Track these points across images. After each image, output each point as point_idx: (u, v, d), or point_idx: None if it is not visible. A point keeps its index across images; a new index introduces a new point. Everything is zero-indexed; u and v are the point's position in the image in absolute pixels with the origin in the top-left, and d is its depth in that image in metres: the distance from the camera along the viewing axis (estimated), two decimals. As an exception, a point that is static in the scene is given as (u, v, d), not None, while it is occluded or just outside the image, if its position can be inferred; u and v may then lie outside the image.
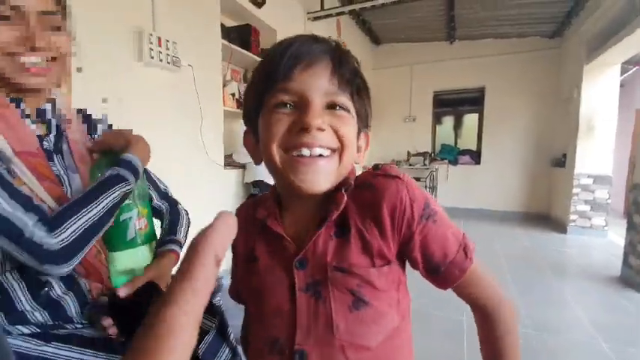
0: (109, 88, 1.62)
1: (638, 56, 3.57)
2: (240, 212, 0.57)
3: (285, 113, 0.44)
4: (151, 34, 1.78)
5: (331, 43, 0.46)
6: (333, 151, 0.45)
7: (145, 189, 0.80)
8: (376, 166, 0.49)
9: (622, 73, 4.27)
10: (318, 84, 0.43)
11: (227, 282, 0.87)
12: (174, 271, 0.79)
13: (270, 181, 2.48)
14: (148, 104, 1.84)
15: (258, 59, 2.77)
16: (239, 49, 2.53)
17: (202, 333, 0.72)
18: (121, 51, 1.70)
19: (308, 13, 3.52)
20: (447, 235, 0.47)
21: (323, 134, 0.43)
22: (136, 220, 0.76)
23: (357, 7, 3.46)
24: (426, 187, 5.05)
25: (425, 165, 5.24)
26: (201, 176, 2.26)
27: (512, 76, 4.98)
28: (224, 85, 2.51)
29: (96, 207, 0.59)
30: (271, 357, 0.47)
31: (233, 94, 2.75)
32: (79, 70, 1.41)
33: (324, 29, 3.90)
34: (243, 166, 2.68)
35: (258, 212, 0.50)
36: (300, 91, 0.43)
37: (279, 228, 0.48)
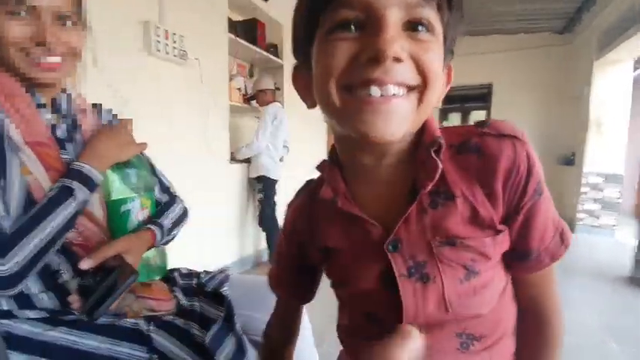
0: (115, 80, 1.62)
1: None
2: (297, 205, 0.51)
3: (348, 38, 0.33)
4: (158, 27, 1.78)
5: None
6: (411, 89, 0.34)
7: (149, 180, 0.80)
8: (482, 123, 0.40)
9: (635, 69, 4.20)
10: None
11: (233, 272, 0.87)
12: None
13: (274, 174, 2.47)
14: (154, 97, 1.84)
15: (265, 54, 2.77)
16: (245, 43, 2.52)
17: (210, 322, 0.72)
18: (128, 43, 1.70)
19: (315, 7, 3.49)
20: (549, 216, 0.40)
21: (400, 66, 0.32)
22: (139, 211, 0.76)
23: None
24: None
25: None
26: (207, 171, 2.26)
27: (521, 72, 4.92)
28: (230, 80, 2.50)
29: (43, 230, 0.57)
30: (371, 326, 0.43)
31: (239, 89, 2.75)
32: (94, 63, 1.42)
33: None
34: (248, 161, 2.68)
35: (324, 191, 0.42)
36: (368, 4, 0.31)
37: (355, 209, 0.40)
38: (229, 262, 2.53)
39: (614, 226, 3.92)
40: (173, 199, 0.87)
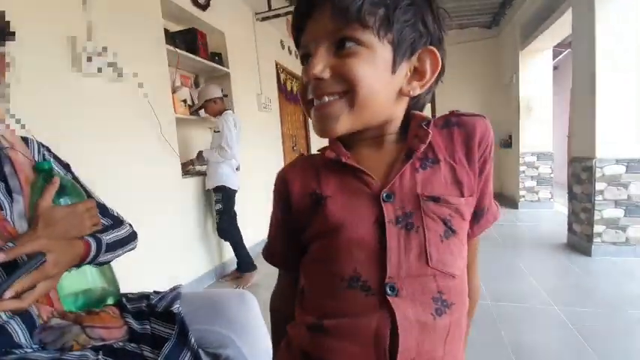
0: (45, 104, 1.51)
1: (569, 39, 3.88)
2: (288, 170, 0.54)
3: (305, 68, 0.46)
4: (87, 44, 1.69)
5: None
6: (341, 94, 0.44)
7: (81, 191, 0.78)
8: (457, 111, 0.50)
9: (556, 56, 4.66)
10: (320, 28, 0.43)
11: (185, 290, 0.86)
12: None
13: (234, 184, 2.44)
14: (90, 117, 1.74)
15: (208, 63, 2.72)
16: (186, 53, 2.46)
17: (163, 341, 0.71)
18: (54, 63, 1.59)
19: (256, 13, 3.49)
20: (491, 179, 0.50)
21: (323, 82, 0.43)
22: None
23: (304, 5, 3.48)
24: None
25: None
26: (158, 188, 2.18)
27: (458, 65, 5.25)
28: (174, 92, 2.43)
29: None
30: (352, 292, 0.44)
31: (184, 101, 2.67)
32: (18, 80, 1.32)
33: (274, 29, 3.89)
34: (203, 174, 2.62)
35: (328, 153, 0.48)
36: (306, 43, 0.45)
37: (358, 165, 0.47)
38: (191, 278, 2.45)
39: (550, 199, 4.33)
40: (119, 222, 0.84)
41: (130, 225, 0.86)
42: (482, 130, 0.47)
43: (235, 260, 2.70)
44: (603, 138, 2.52)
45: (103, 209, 0.84)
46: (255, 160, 3.28)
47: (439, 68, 0.46)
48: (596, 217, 2.58)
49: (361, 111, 0.44)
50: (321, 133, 0.46)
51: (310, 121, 0.49)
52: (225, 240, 2.63)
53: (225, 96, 2.65)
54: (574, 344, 1.55)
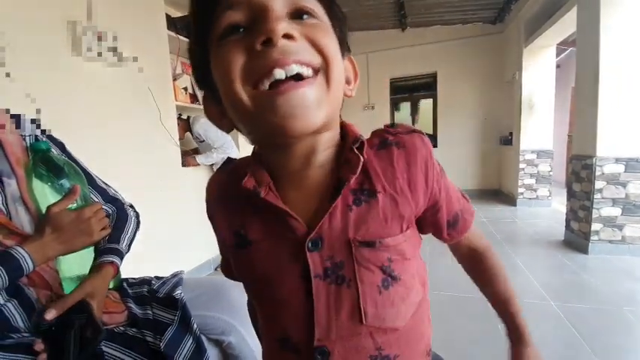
0: (44, 88, 1.49)
1: (572, 37, 3.87)
2: (212, 187, 0.46)
3: (238, 38, 0.32)
4: (87, 27, 1.65)
5: None
6: (316, 71, 0.33)
7: (86, 192, 0.76)
8: (392, 125, 0.43)
9: (558, 54, 4.64)
10: None
11: (186, 277, 0.85)
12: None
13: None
14: (89, 103, 1.71)
15: (210, 51, 2.68)
16: (187, 40, 2.42)
17: (165, 327, 0.70)
18: (54, 46, 1.56)
19: (259, 2, 3.44)
20: (451, 184, 0.47)
21: (295, 45, 0.32)
22: None
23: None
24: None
25: (386, 151, 5.38)
26: (157, 176, 2.16)
27: (461, 61, 5.23)
28: (174, 79, 2.40)
29: None
30: (285, 355, 0.40)
31: (185, 88, 2.64)
32: (7, 75, 1.29)
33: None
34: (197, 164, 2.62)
35: (246, 181, 0.39)
36: (249, 1, 0.32)
37: (279, 202, 0.38)
38: (190, 267, 2.45)
39: (548, 196, 4.35)
40: (123, 210, 0.83)
41: (131, 206, 0.85)
42: (421, 149, 0.41)
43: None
44: (604, 137, 2.52)
45: (104, 193, 0.83)
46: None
47: (358, 78, 0.42)
48: (594, 215, 2.59)
49: (333, 97, 0.35)
50: (300, 123, 0.32)
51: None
52: None
53: (187, 118, 2.60)
54: (570, 340, 1.57)
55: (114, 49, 1.79)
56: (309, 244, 0.37)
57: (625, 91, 2.45)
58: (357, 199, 0.39)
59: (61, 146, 0.82)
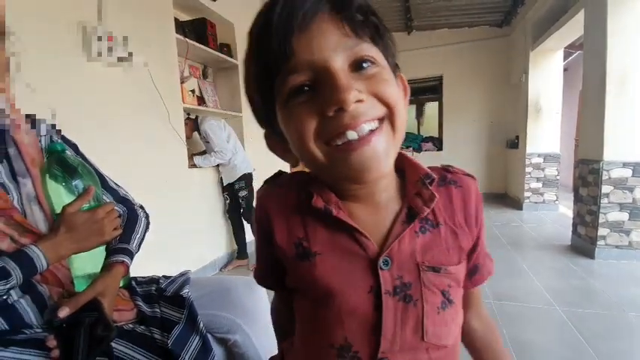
0: (54, 89, 1.52)
1: (580, 41, 3.84)
2: (268, 200, 0.46)
3: (306, 100, 0.35)
4: (97, 29, 1.69)
5: None
6: (381, 119, 0.36)
7: (99, 193, 0.78)
8: (448, 166, 0.48)
9: (566, 57, 4.61)
10: (330, 42, 0.33)
11: (194, 276, 0.87)
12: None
13: (251, 167, 2.48)
14: (98, 105, 1.75)
15: (216, 53, 2.72)
16: (195, 43, 2.46)
17: (172, 325, 0.72)
18: (65, 48, 1.60)
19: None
20: (484, 236, 0.48)
21: (363, 105, 0.34)
22: None
23: (314, -1, 3.45)
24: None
25: (390, 154, 5.39)
26: (164, 177, 2.19)
27: (467, 64, 5.22)
28: (182, 82, 2.44)
29: None
30: None
31: (193, 91, 2.68)
32: (28, 86, 1.33)
33: (283, 22, 3.87)
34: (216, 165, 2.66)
35: (315, 201, 0.41)
36: (312, 63, 0.33)
37: (352, 220, 0.40)
38: (195, 268, 2.47)
39: (555, 201, 4.32)
40: (133, 210, 0.85)
41: (141, 207, 0.87)
42: (475, 191, 0.45)
43: (236, 249, 2.78)
44: (611, 141, 2.50)
45: (115, 194, 0.85)
46: (261, 153, 3.28)
47: (409, 94, 0.43)
48: (601, 219, 2.57)
49: (399, 138, 0.38)
50: (374, 173, 0.35)
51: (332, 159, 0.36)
52: (250, 224, 2.73)
53: (195, 117, 2.62)
54: (575, 345, 1.56)
55: (124, 52, 1.83)
56: (381, 263, 0.40)
57: (632, 94, 2.43)
58: (422, 227, 0.42)
59: (75, 147, 0.84)
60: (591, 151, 2.68)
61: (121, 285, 0.80)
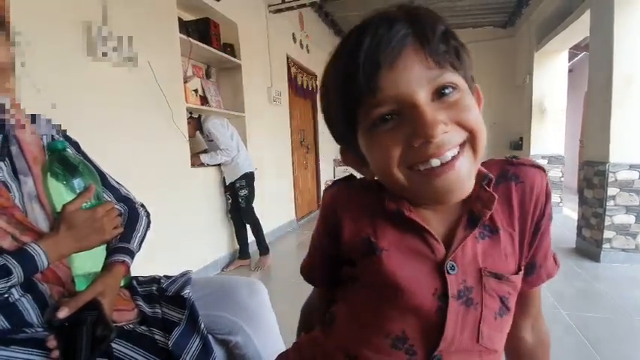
0: (58, 88, 1.52)
1: (585, 42, 3.81)
2: (339, 195, 0.48)
3: (391, 128, 0.36)
4: (102, 29, 1.69)
5: (407, 11, 0.36)
6: (463, 144, 0.37)
7: (99, 191, 0.77)
8: (513, 157, 0.45)
9: (571, 58, 4.58)
10: (414, 76, 0.35)
11: (195, 276, 0.86)
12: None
13: (252, 167, 2.49)
14: (102, 104, 1.75)
15: (220, 53, 2.72)
16: (199, 43, 2.46)
17: (173, 325, 0.71)
18: (69, 47, 1.60)
19: (269, 5, 3.47)
20: (551, 239, 0.46)
21: (448, 135, 0.35)
22: None
23: (318, -1, 3.46)
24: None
25: (394, 154, 5.38)
26: (167, 176, 2.19)
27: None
28: (185, 82, 2.44)
29: None
30: (395, 352, 0.42)
31: (196, 91, 2.68)
32: (38, 90, 1.32)
33: (286, 22, 3.87)
34: (217, 164, 2.66)
35: (388, 203, 0.43)
36: (397, 95, 0.35)
37: (424, 222, 0.42)
38: (196, 267, 2.47)
39: (559, 203, 4.28)
40: (134, 209, 0.85)
41: (142, 205, 0.86)
42: (539, 185, 0.43)
43: (238, 249, 2.79)
44: (617, 142, 2.48)
45: (116, 192, 0.84)
46: (264, 153, 3.29)
47: (482, 104, 0.43)
48: (607, 222, 2.54)
49: (479, 159, 0.39)
50: (457, 196, 0.37)
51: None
52: (248, 223, 2.72)
53: (198, 116, 2.61)
54: (581, 349, 1.54)
55: (129, 53, 1.83)
56: (448, 267, 0.41)
57: (638, 96, 2.41)
58: (482, 233, 0.42)
59: (76, 146, 0.83)
60: (597, 153, 2.65)
61: (121, 285, 0.79)
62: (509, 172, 0.43)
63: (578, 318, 1.79)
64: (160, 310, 0.75)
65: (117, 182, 0.87)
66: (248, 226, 2.76)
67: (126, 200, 0.85)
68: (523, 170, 0.43)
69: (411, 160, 0.36)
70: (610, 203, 2.53)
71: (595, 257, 2.61)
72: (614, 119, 2.46)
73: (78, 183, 0.72)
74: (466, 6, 4.38)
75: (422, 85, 0.35)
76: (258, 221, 2.74)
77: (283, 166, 3.92)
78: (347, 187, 0.49)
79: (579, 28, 3.28)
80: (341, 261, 0.49)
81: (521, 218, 0.43)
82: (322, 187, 5.07)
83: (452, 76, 0.36)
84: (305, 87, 4.40)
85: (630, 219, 2.51)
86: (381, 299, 0.43)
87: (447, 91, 0.36)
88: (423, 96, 0.35)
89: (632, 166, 2.47)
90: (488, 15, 4.73)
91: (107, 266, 0.71)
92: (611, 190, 2.52)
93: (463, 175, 0.36)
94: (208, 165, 2.60)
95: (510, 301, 0.43)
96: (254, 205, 2.75)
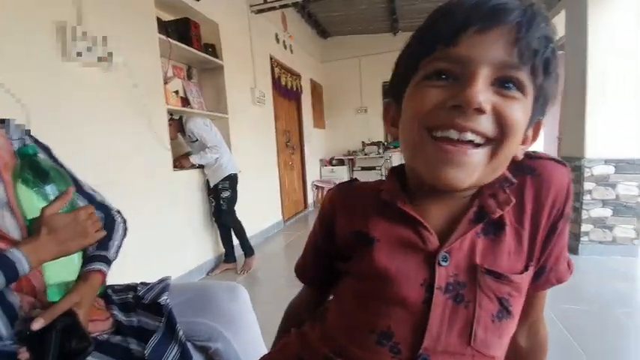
0: (31, 91, 1.46)
1: (561, 41, 3.91)
2: (336, 194, 0.50)
3: (440, 85, 0.35)
4: (76, 29, 1.63)
5: (529, 4, 0.35)
6: (488, 140, 0.35)
7: (73, 198, 0.75)
8: (533, 152, 0.42)
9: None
10: (492, 53, 0.33)
11: (174, 282, 0.84)
12: None
13: (236, 168, 2.45)
14: (78, 107, 1.69)
15: (202, 54, 2.67)
16: (179, 44, 2.41)
17: (150, 334, 0.69)
18: (42, 49, 1.54)
19: (251, 6, 3.44)
20: (567, 242, 0.43)
21: (481, 117, 0.34)
22: None
23: (300, -1, 3.45)
24: (381, 174, 5.21)
25: (379, 154, 5.43)
26: (148, 180, 2.13)
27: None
28: (166, 83, 2.38)
29: None
30: (380, 350, 0.40)
31: (177, 92, 2.63)
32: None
33: (269, 22, 3.85)
34: (200, 167, 2.62)
35: (384, 194, 0.43)
36: (465, 59, 0.34)
37: (415, 213, 0.41)
38: (180, 273, 2.42)
39: (540, 198, 4.39)
40: (110, 216, 0.82)
41: (119, 212, 0.84)
42: (559, 183, 0.40)
43: (223, 253, 2.74)
44: (592, 138, 2.56)
45: (91, 199, 0.81)
46: (248, 154, 3.25)
47: (537, 139, 0.41)
48: (584, 216, 2.62)
49: (496, 166, 0.37)
50: (452, 183, 0.35)
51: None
52: (230, 226, 2.68)
53: (179, 118, 2.57)
54: (562, 342, 1.57)
55: (104, 52, 1.77)
56: (440, 259, 0.39)
57: (613, 92, 2.49)
58: (485, 229, 0.40)
59: (47, 151, 0.81)
60: (573, 149, 2.73)
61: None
62: (525, 163, 0.41)
63: (559, 310, 1.84)
64: (135, 319, 0.73)
65: (91, 189, 0.84)
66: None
67: (102, 207, 0.83)
68: (542, 164, 0.41)
69: (434, 120, 0.35)
70: (587, 197, 2.60)
71: (574, 250, 2.69)
72: (588, 116, 2.54)
73: (51, 189, 0.70)
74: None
75: (491, 65, 0.34)
76: (240, 223, 2.71)
77: (269, 168, 3.89)
78: (347, 186, 0.51)
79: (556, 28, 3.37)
80: (335, 257, 0.49)
81: (535, 215, 0.40)
82: (309, 188, 5.06)
83: (524, 76, 0.35)
84: (289, 88, 4.37)
85: (607, 212, 2.59)
86: (369, 291, 0.42)
87: (509, 85, 0.35)
88: (485, 71, 0.34)
89: (607, 161, 2.55)
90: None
91: (84, 275, 0.69)
92: (588, 185, 2.59)
93: (468, 165, 0.35)
94: (193, 167, 2.56)
95: (512, 304, 0.40)
96: (238, 207, 2.71)
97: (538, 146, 3.31)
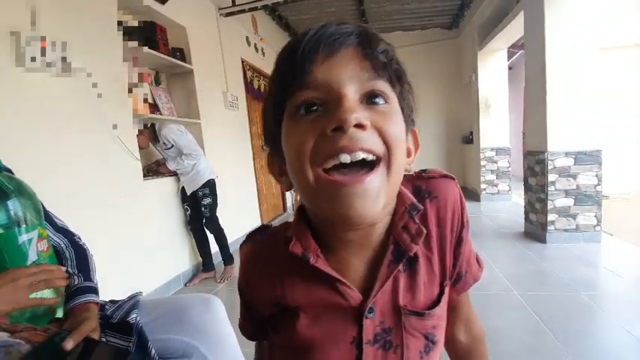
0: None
1: (522, 41, 4.10)
2: (248, 258, 0.46)
3: (313, 119, 0.34)
4: (31, 35, 1.54)
5: (359, 25, 0.36)
6: (379, 159, 0.34)
7: (40, 209, 0.72)
8: (423, 171, 0.43)
9: (510, 56, 4.92)
10: (348, 71, 0.33)
11: (145, 298, 0.81)
12: None
13: (214, 173, 2.38)
14: (37, 117, 1.60)
15: (168, 59, 2.60)
16: (144, 48, 2.33)
17: (119, 355, 0.66)
18: (-9, 56, 1.45)
19: (220, 9, 3.38)
20: (470, 243, 0.45)
21: (364, 134, 0.33)
22: (37, 242, 0.69)
23: (269, 1, 3.42)
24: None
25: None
26: (117, 191, 2.05)
27: (422, 65, 5.42)
28: (130, 90, 2.30)
29: None
30: None
31: (145, 99, 2.54)
32: None
33: (239, 25, 3.80)
34: (174, 174, 2.55)
35: (293, 246, 0.39)
36: (327, 83, 0.33)
37: (331, 270, 0.38)
38: (156, 285, 2.34)
39: (508, 191, 4.59)
40: (76, 243, 0.81)
41: (79, 237, 0.82)
42: (453, 197, 0.42)
43: (201, 262, 2.69)
44: (554, 133, 2.70)
45: (53, 223, 0.78)
46: (224, 160, 3.19)
47: (419, 149, 0.42)
48: (549, 206, 2.76)
49: (393, 184, 0.35)
50: (359, 216, 0.33)
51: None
52: (213, 232, 2.63)
53: (149, 126, 2.50)
54: (533, 326, 1.65)
55: (62, 59, 1.69)
56: (367, 312, 0.38)
57: (571, 88, 2.63)
58: (405, 263, 0.40)
59: (9, 172, 0.77)
60: (537, 143, 2.87)
61: (60, 316, 0.73)
62: (422, 188, 0.42)
63: (529, 297, 1.92)
64: (104, 340, 0.69)
65: (51, 213, 0.80)
66: (210, 237, 2.66)
67: (64, 232, 0.80)
68: (435, 184, 0.42)
69: (322, 153, 0.33)
70: (551, 188, 2.74)
71: (542, 239, 2.82)
72: (549, 111, 2.67)
73: (13, 203, 0.67)
74: (414, 9, 4.56)
75: (353, 82, 0.34)
76: (222, 230, 2.66)
77: (245, 172, 3.83)
78: (257, 242, 0.46)
79: (515, 28, 3.54)
80: (266, 323, 0.46)
81: (440, 237, 0.42)
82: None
83: (385, 86, 0.35)
84: (263, 91, 4.34)
85: (569, 202, 2.74)
86: (298, 359, 0.41)
87: (377, 100, 0.35)
88: (351, 90, 0.33)
89: (567, 154, 2.69)
90: (434, 17, 4.96)
91: (85, 306, 0.70)
92: (551, 177, 2.73)
93: (371, 192, 0.33)
94: (164, 175, 2.48)
95: (437, 334, 0.41)
96: (217, 214, 2.66)
97: (504, 142, 3.47)
